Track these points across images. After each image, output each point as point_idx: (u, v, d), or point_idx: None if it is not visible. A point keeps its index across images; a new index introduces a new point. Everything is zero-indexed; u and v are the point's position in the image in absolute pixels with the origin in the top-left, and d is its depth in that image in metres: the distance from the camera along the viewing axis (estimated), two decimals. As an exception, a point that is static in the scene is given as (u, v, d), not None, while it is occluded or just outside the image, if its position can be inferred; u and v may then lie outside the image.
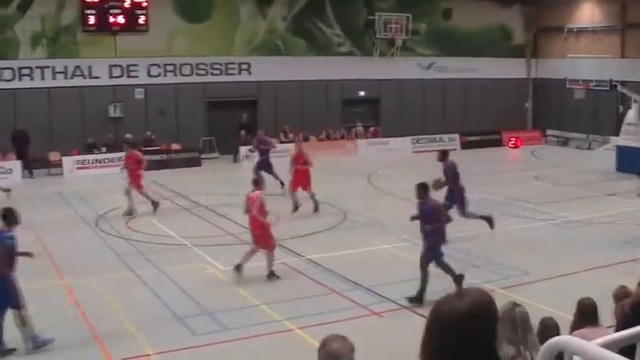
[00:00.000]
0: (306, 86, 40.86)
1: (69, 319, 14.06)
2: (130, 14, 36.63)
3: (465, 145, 42.70)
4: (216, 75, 39.54)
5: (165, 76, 38.25)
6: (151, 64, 37.80)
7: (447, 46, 44.64)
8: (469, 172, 23.68)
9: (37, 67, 35.75)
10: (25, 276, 16.70)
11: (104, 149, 35.72)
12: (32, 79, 35.76)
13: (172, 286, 16.13)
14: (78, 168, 34.48)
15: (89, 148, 35.71)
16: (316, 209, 24.20)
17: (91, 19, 36.09)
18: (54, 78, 36.07)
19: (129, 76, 37.42)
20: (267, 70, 39.83)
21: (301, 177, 24.27)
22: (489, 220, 20.59)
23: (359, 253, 18.85)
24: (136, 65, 37.33)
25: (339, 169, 33.34)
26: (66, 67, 36.16)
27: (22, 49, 35.55)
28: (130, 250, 19.53)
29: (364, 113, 43.56)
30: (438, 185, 18.99)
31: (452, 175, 20.39)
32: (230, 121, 37.99)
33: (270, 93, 40.20)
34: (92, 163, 34.89)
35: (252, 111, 40.01)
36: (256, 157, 29.32)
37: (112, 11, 36.34)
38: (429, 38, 44.85)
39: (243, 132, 37.60)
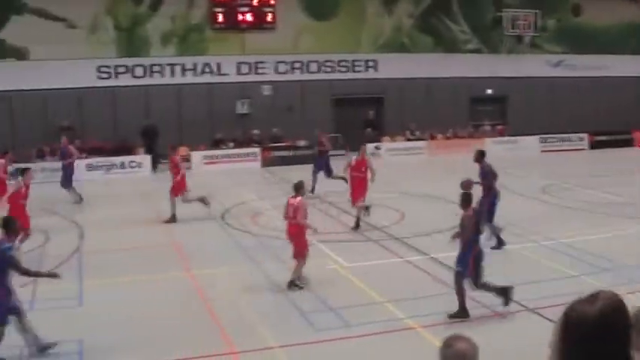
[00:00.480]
0: (433, 84, 40.47)
1: (193, 310, 14.29)
2: (258, 12, 37.14)
3: (595, 145, 41.50)
4: (343, 72, 39.67)
5: (292, 73, 38.62)
6: (279, 62, 38.23)
7: (576, 43, 43.48)
8: (595, 172, 22.94)
9: (167, 65, 36.72)
10: (152, 266, 17.13)
11: (231, 145, 36.31)
12: (163, 76, 36.67)
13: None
14: (206, 163, 35.16)
15: (217, 144, 36.37)
16: (357, 226, 21.42)
17: (220, 17, 36.73)
18: (183, 75, 36.93)
19: (256, 73, 37.96)
20: (394, 67, 39.67)
21: (358, 186, 21.73)
22: (500, 242, 18.84)
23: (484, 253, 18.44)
24: (263, 62, 37.82)
25: (465, 167, 32.84)
26: (195, 65, 36.98)
27: (153, 47, 36.55)
28: (255, 244, 19.72)
29: (491, 111, 42.86)
30: (467, 186, 17.96)
31: (486, 178, 19.42)
32: (356, 119, 38.01)
33: (396, 90, 40.01)
34: (220, 158, 35.51)
35: (378, 108, 39.92)
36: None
37: (240, 9, 36.96)
38: (558, 35, 43.80)
39: (369, 129, 37.54)
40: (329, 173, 27.85)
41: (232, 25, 37.27)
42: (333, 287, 15.63)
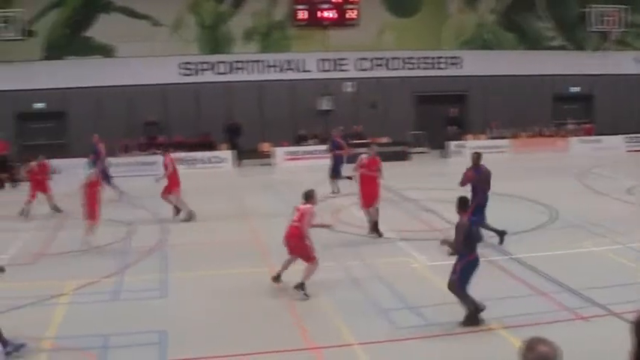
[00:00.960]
0: (516, 81, 39.94)
1: (274, 304, 14.38)
2: (341, 9, 37.17)
3: (686, 146, 40.24)
4: (425, 69, 39.44)
5: (373, 69, 38.54)
6: (360, 58, 38.21)
7: (665, 39, 42.33)
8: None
9: (250, 62, 37.00)
10: (235, 261, 17.31)
11: (313, 141, 36.44)
12: (245, 72, 37.04)
13: (377, 278, 16.14)
14: (287, 159, 35.38)
15: (299, 140, 36.57)
16: (375, 231, 20.11)
17: (302, 14, 36.89)
18: (266, 72, 37.18)
19: (338, 70, 37.97)
20: (477, 64, 39.34)
21: (369, 186, 20.42)
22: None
23: (567, 255, 18.14)
24: (345, 59, 37.87)
25: (549, 166, 32.43)
26: (277, 61, 37.22)
27: (235, 44, 36.94)
28: (337, 241, 19.71)
29: (576, 110, 42.07)
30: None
31: (480, 182, 18.94)
32: (439, 116, 37.79)
33: (480, 87, 39.61)
34: (301, 154, 35.68)
35: (461, 106, 39.60)
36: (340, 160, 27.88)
37: (322, 6, 37.00)
38: (647, 31, 42.71)
39: (452, 127, 37.27)
40: (337, 175, 27.21)
41: (314, 21, 37.43)
42: (414, 285, 15.56)
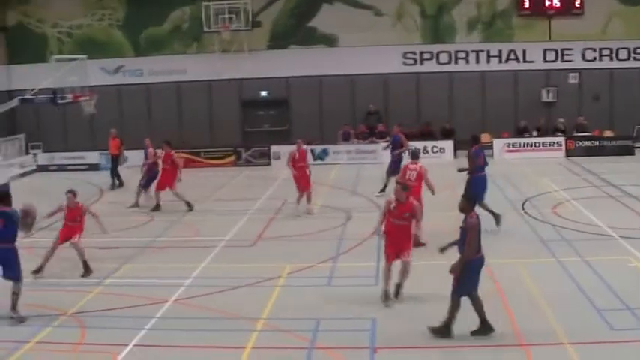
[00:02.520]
0: None
1: (487, 298, 14.06)
2: (566, -3, 35.97)
3: None
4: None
5: (600, 60, 36.89)
6: (586, 48, 36.71)
7: None
8: None
9: (472, 51, 36.58)
10: (450, 254, 17.21)
11: (535, 133, 35.54)
12: (467, 62, 36.64)
13: (594, 276, 15.46)
14: (507, 151, 34.70)
15: (520, 132, 35.77)
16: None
17: (527, 3, 36.09)
18: (488, 62, 36.60)
19: (563, 61, 36.72)
20: None
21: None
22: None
23: None
24: (570, 49, 36.57)
25: None
26: (500, 51, 36.61)
27: (458, 34, 36.59)
28: (555, 237, 19.15)
29: None
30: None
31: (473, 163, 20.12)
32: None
33: None
34: (522, 146, 34.95)
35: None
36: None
37: (547, -5, 36.02)
38: None
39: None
40: (395, 173, 24.28)
41: (539, 11, 36.34)
42: (633, 285, 14.74)
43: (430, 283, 15.00)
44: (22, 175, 33.76)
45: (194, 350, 12.16)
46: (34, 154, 37.23)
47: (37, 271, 16.45)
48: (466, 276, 12.15)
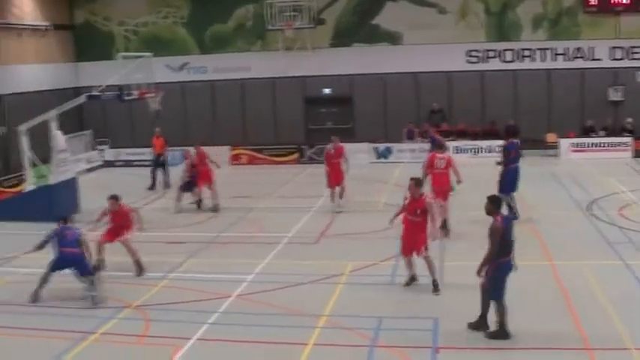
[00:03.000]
0: None
1: (550, 300, 13.97)
2: (635, -6, 35.25)
3: None
4: None
5: (671, 58, 36.09)
6: (656, 46, 35.92)
7: None
8: None
9: (537, 49, 36.13)
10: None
11: (602, 133, 34.97)
12: (532, 60, 36.21)
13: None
14: (573, 151, 34.21)
15: (586, 131, 35.24)
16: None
17: (593, 0, 35.42)
18: (554, 60, 36.09)
19: (631, 59, 36.00)
20: None
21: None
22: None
23: None
24: (638, 47, 35.78)
25: None
26: (566, 49, 35.96)
27: (523, 31, 36.19)
28: (622, 239, 18.80)
29: None
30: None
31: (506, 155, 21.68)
32: None
33: None
34: (589, 146, 34.40)
35: None
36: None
37: (615, -8, 35.38)
38: None
39: None
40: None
41: (607, 8, 35.69)
42: None
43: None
44: (89, 170, 34.34)
45: (255, 346, 12.26)
46: (101, 150, 37.88)
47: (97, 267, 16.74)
48: (496, 279, 12.12)
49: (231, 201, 25.25)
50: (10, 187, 28.51)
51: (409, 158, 34.41)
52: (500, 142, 33.91)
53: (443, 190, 19.57)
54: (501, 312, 12.17)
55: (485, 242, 12.08)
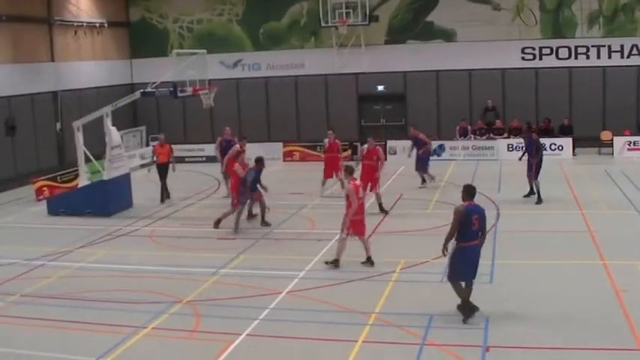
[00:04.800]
0: None
1: (603, 300, 13.81)
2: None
3: None
4: None
5: None
6: None
7: None
8: None
9: (592, 46, 35.66)
10: (564, 251, 16.88)
11: (658, 131, 34.47)
12: (588, 57, 35.73)
13: None
14: (629, 149, 33.73)
15: (643, 130, 34.77)
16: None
17: (651, -4, 34.91)
18: (609, 57, 35.58)
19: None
20: None
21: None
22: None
23: None
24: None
25: None
26: (622, 46, 35.42)
27: (578, 28, 35.76)
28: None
29: None
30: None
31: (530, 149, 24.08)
32: None
33: None
34: (643, 144, 33.95)
35: None
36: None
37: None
38: None
39: None
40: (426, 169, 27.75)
41: (664, 3, 35.16)
42: None
43: (545, 284, 14.84)
44: (142, 166, 34.73)
45: (306, 342, 12.33)
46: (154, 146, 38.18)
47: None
48: (452, 260, 13.07)
49: (283, 197, 25.37)
50: (65, 182, 28.93)
51: (462, 156, 34.27)
52: (555, 140, 34.09)
53: None
54: (457, 292, 13.05)
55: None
